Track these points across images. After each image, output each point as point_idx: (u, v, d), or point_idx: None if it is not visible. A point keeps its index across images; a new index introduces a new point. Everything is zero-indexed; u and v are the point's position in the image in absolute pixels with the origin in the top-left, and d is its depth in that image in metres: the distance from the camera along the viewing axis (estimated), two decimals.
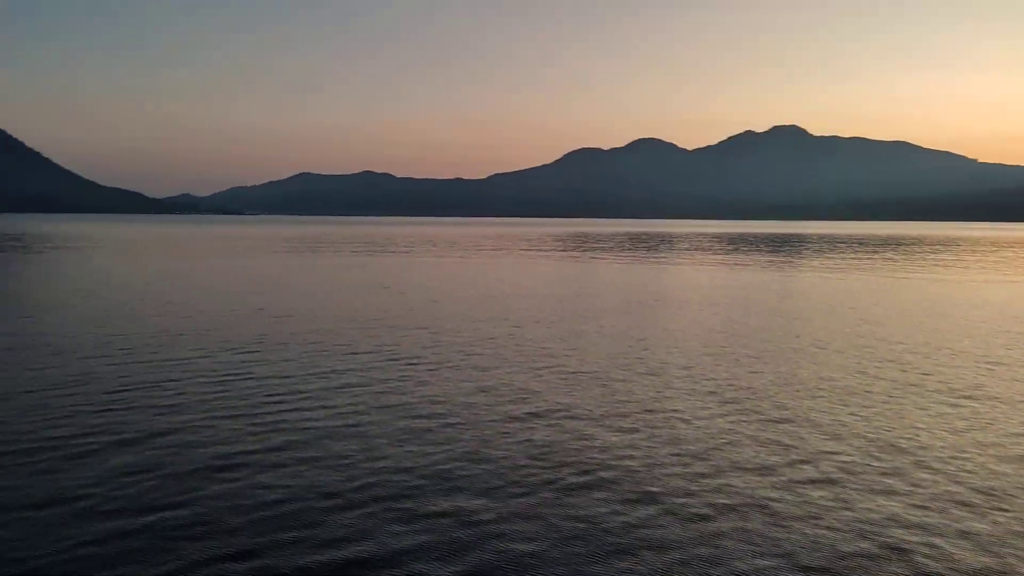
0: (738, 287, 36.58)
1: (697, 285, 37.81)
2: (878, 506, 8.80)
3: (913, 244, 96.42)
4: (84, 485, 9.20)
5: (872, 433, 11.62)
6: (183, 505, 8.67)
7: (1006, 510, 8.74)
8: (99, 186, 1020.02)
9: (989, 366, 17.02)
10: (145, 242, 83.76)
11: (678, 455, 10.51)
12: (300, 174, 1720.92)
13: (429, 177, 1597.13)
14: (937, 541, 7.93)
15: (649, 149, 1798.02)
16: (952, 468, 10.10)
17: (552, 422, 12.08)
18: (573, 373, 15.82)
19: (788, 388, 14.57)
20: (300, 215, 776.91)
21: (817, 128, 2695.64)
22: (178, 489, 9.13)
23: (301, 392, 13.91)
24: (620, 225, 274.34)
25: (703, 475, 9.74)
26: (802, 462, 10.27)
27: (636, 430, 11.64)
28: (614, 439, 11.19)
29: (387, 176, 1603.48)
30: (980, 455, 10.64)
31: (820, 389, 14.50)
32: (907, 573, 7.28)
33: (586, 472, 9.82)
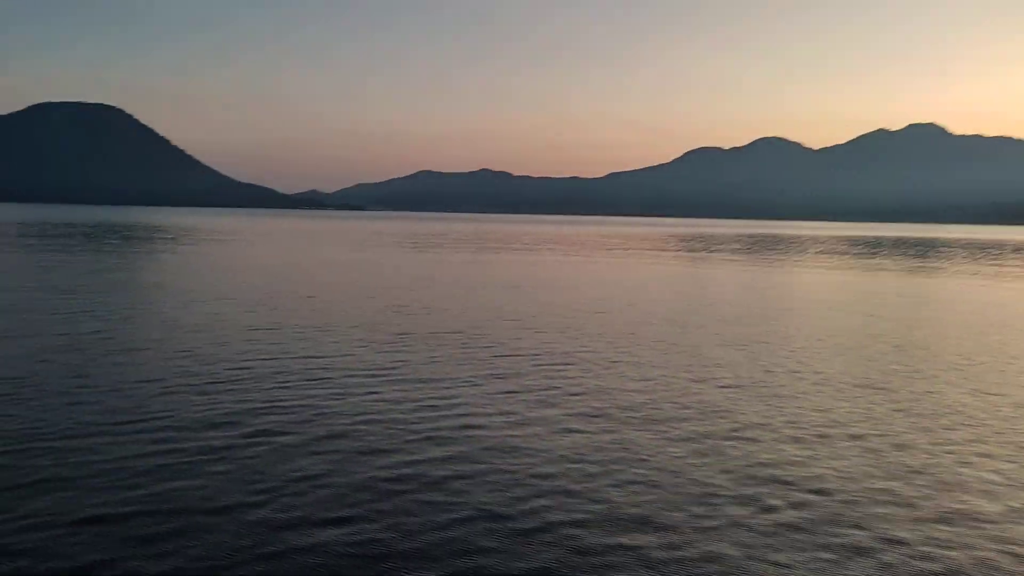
0: (918, 297, 34.83)
1: (863, 292, 36.31)
2: None
3: None
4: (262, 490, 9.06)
5: None
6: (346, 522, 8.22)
7: None
8: (236, 182, 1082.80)
9: None
10: (288, 235, 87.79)
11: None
12: (420, 172, 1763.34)
13: (546, 176, 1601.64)
14: None
15: (771, 148, 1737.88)
16: None
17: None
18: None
19: (1002, 407, 13.80)
20: (420, 211, 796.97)
21: (958, 126, 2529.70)
22: (343, 503, 8.76)
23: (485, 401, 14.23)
24: (746, 226, 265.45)
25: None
26: None
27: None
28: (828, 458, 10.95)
29: (504, 174, 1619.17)
30: None
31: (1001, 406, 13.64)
32: None
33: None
